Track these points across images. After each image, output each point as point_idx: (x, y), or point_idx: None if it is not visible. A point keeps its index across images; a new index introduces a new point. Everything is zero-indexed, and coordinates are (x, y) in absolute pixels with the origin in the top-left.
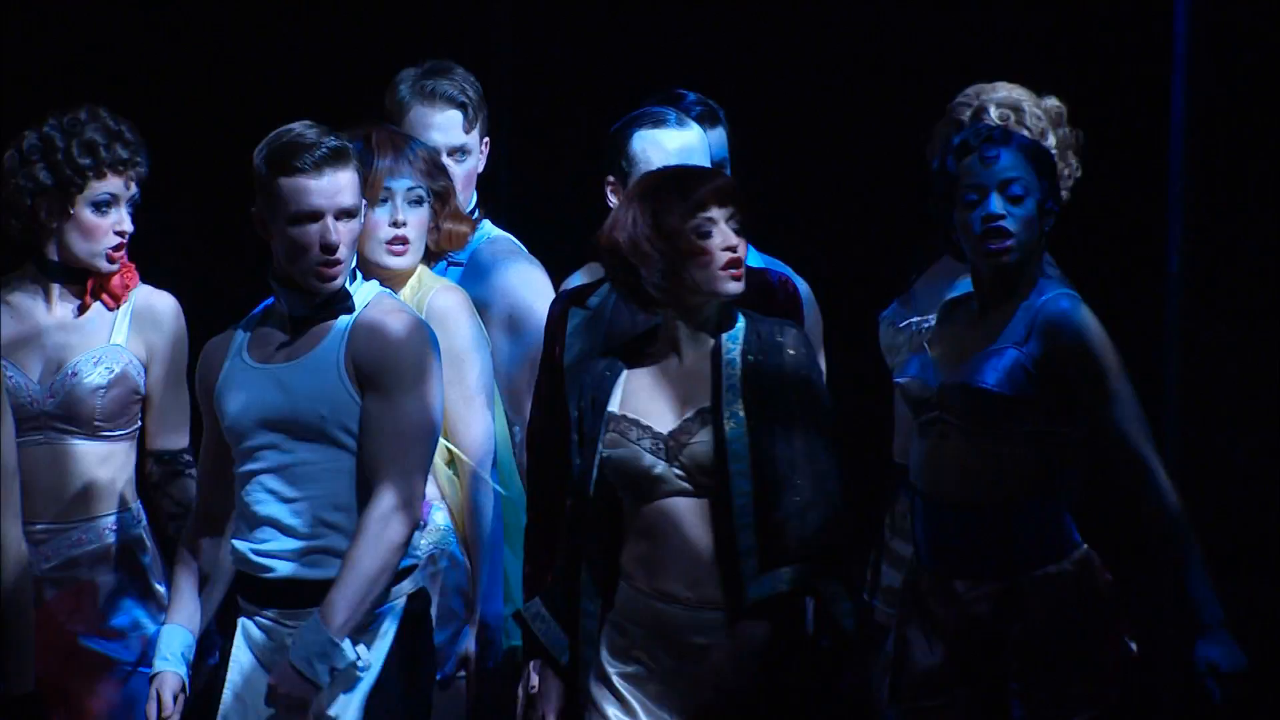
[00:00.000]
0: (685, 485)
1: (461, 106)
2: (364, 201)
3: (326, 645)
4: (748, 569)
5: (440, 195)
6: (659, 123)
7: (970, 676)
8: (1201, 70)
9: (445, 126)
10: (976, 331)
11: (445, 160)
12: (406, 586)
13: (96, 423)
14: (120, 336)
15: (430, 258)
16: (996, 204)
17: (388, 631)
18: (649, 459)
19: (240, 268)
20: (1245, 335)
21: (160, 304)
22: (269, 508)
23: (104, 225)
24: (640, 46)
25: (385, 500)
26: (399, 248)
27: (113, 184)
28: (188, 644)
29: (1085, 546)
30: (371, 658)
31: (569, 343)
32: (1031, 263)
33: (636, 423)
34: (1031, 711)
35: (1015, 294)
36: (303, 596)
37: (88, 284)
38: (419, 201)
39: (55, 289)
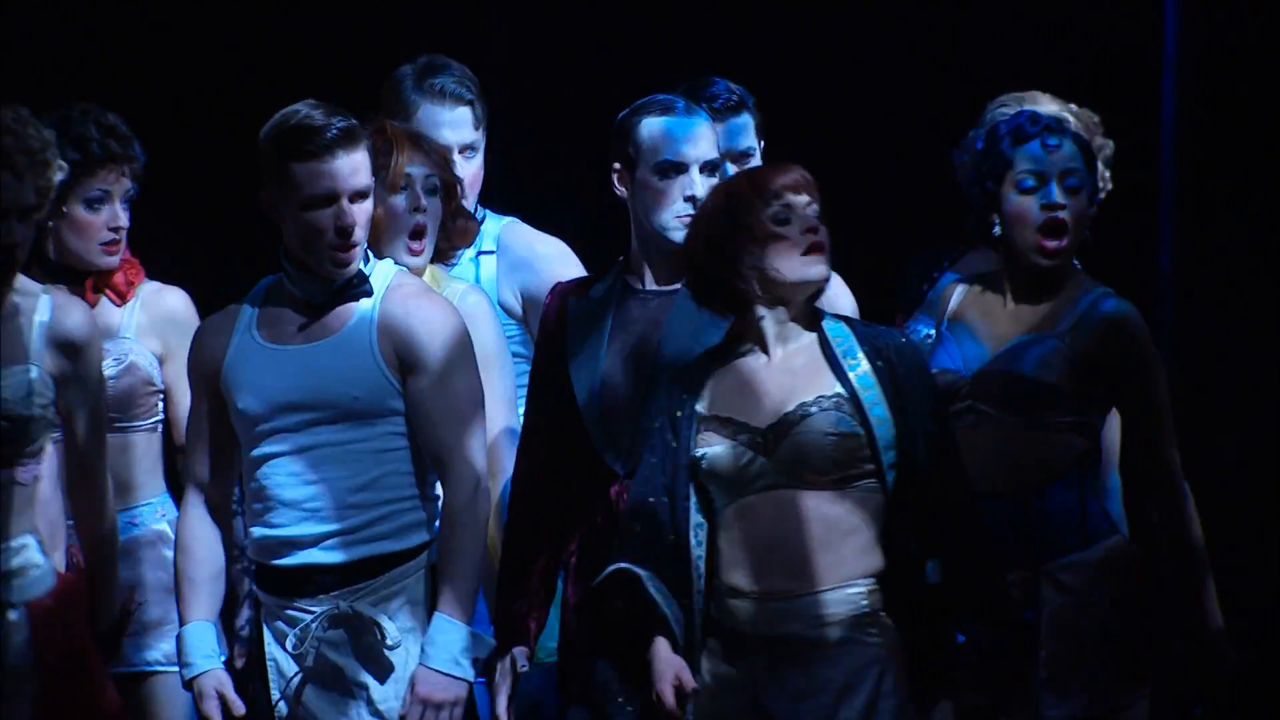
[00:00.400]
0: (780, 479)
1: (470, 104)
2: (374, 180)
3: (468, 639)
4: (911, 544)
5: (449, 190)
6: (666, 110)
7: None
8: (1192, 68)
9: (457, 124)
10: (1011, 319)
11: (455, 158)
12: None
13: (110, 415)
14: (130, 331)
15: (438, 255)
16: (1057, 192)
17: (414, 603)
18: (746, 454)
19: (243, 261)
20: (1237, 332)
21: (172, 299)
22: (292, 491)
23: (97, 222)
24: (637, 41)
25: (464, 483)
26: (417, 244)
27: (104, 180)
28: (216, 637)
29: (1121, 535)
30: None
31: (570, 335)
32: (1070, 258)
33: (731, 420)
34: (1060, 699)
35: (1056, 287)
36: (326, 582)
37: (86, 282)
38: (434, 190)
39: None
